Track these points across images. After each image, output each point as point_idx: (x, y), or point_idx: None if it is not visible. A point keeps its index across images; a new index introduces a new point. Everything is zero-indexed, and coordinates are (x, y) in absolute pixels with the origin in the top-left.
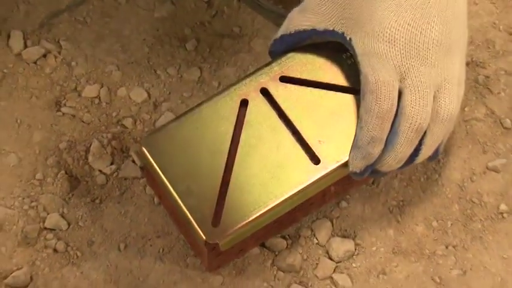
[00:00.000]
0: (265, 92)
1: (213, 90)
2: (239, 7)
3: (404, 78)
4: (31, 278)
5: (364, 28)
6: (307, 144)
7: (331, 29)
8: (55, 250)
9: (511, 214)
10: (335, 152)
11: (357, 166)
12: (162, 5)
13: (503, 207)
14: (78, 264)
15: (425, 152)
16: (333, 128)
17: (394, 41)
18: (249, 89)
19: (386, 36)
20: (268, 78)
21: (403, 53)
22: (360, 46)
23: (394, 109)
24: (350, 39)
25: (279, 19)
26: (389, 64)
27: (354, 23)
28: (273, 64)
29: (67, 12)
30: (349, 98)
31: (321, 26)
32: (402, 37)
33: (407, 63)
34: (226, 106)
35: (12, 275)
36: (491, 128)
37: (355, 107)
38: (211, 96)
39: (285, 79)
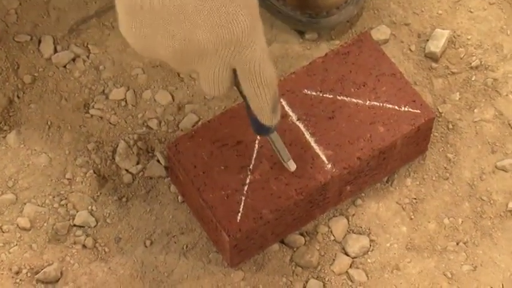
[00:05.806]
0: (283, 99)
1: (233, 92)
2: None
3: None
4: (61, 273)
5: None
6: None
7: None
8: (84, 246)
9: None
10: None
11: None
12: None
13: None
14: (106, 259)
15: None
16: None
17: None
18: None
19: None
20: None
21: None
22: None
23: None
24: None
25: (296, 24)
26: None
27: None
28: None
29: (95, 18)
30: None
31: None
32: None
33: None
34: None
35: (43, 270)
36: (499, 129)
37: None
38: (232, 104)
39: (301, 89)
